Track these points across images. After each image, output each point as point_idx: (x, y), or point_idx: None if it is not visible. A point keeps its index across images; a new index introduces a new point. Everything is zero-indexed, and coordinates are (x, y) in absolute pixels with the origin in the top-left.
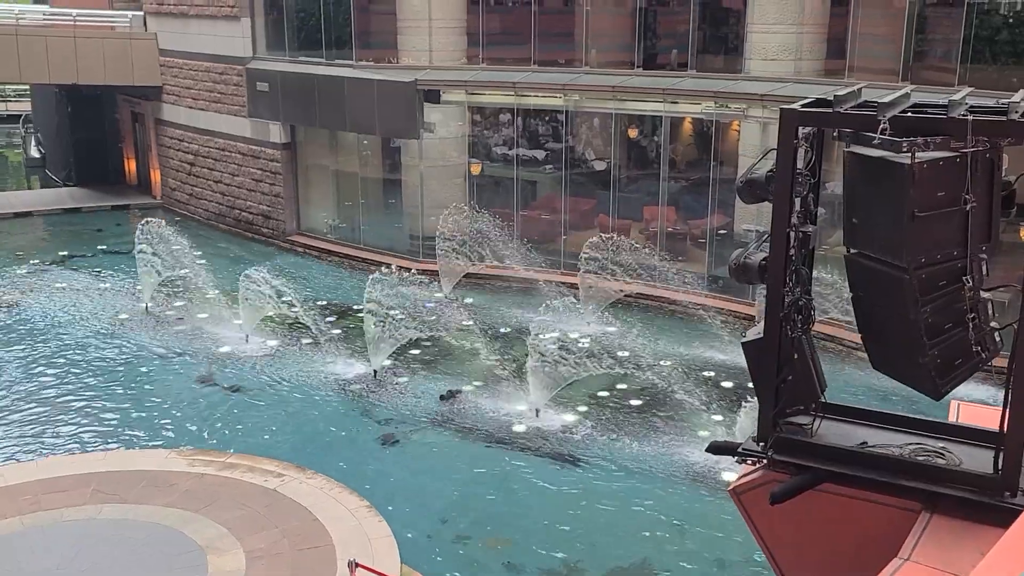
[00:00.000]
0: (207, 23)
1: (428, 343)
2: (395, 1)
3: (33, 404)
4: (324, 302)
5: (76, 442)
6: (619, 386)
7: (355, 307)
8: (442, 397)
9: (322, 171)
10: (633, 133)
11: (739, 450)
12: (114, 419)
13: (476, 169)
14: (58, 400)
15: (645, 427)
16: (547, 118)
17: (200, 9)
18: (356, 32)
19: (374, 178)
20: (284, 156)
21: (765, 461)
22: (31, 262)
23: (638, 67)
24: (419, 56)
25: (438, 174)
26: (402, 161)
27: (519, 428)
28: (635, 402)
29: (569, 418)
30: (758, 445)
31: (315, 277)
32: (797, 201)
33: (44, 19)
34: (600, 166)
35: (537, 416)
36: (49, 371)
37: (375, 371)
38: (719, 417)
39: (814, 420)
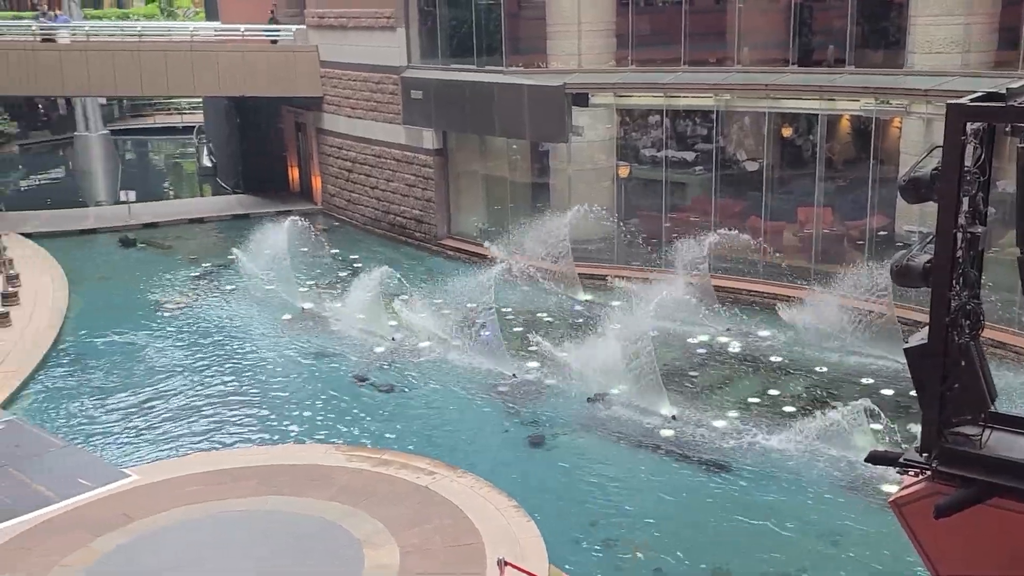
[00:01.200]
0: (365, 34)
1: (575, 345)
2: (545, 6)
3: (201, 400)
4: (473, 304)
5: (240, 437)
6: (771, 392)
7: (504, 309)
8: (590, 400)
9: (472, 176)
10: (787, 132)
11: (901, 461)
12: (274, 415)
13: (624, 172)
14: (223, 396)
15: (798, 434)
16: (697, 119)
17: (358, 21)
18: (506, 38)
19: (523, 182)
20: (436, 162)
21: (929, 473)
22: (203, 265)
23: (793, 64)
24: (568, 60)
25: (586, 177)
26: (550, 165)
27: (667, 433)
28: (788, 408)
29: (719, 424)
30: (922, 456)
31: (464, 280)
32: (965, 200)
33: (216, 35)
34: (752, 167)
35: (681, 420)
36: (217, 369)
37: (513, 374)
38: (877, 426)
39: (983, 431)
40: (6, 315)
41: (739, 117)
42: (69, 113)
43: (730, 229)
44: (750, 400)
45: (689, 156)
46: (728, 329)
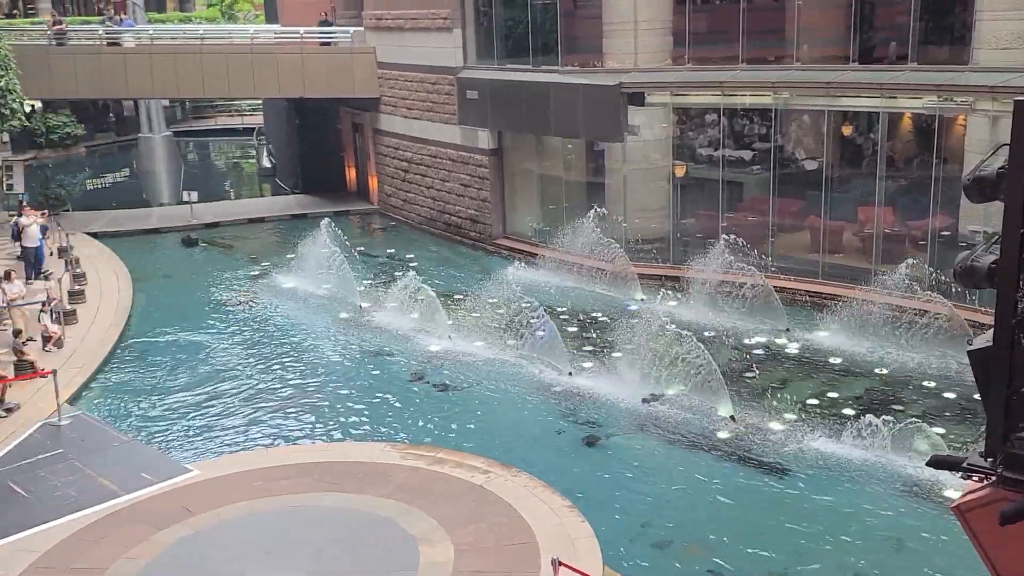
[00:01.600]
0: (422, 35)
1: (631, 346)
2: (601, 5)
3: (261, 397)
4: (527, 304)
5: (298, 433)
6: (830, 394)
7: (558, 308)
8: (645, 400)
9: (527, 176)
10: (847, 130)
11: (964, 465)
12: (332, 413)
13: (680, 171)
14: (282, 393)
15: (858, 437)
16: (755, 117)
17: (415, 22)
18: (562, 37)
19: (578, 181)
20: (491, 162)
21: (993, 478)
22: (262, 264)
23: (854, 61)
24: (624, 59)
25: (642, 177)
26: (606, 164)
27: (723, 435)
28: (848, 411)
29: (776, 426)
30: (986, 461)
31: (519, 280)
32: None
33: (275, 37)
34: (811, 165)
35: (738, 422)
36: (275, 366)
37: (570, 372)
38: (940, 430)
39: None
40: (73, 312)
41: (798, 115)
42: (133, 115)
43: (788, 229)
44: (808, 402)
45: (746, 155)
46: (787, 330)
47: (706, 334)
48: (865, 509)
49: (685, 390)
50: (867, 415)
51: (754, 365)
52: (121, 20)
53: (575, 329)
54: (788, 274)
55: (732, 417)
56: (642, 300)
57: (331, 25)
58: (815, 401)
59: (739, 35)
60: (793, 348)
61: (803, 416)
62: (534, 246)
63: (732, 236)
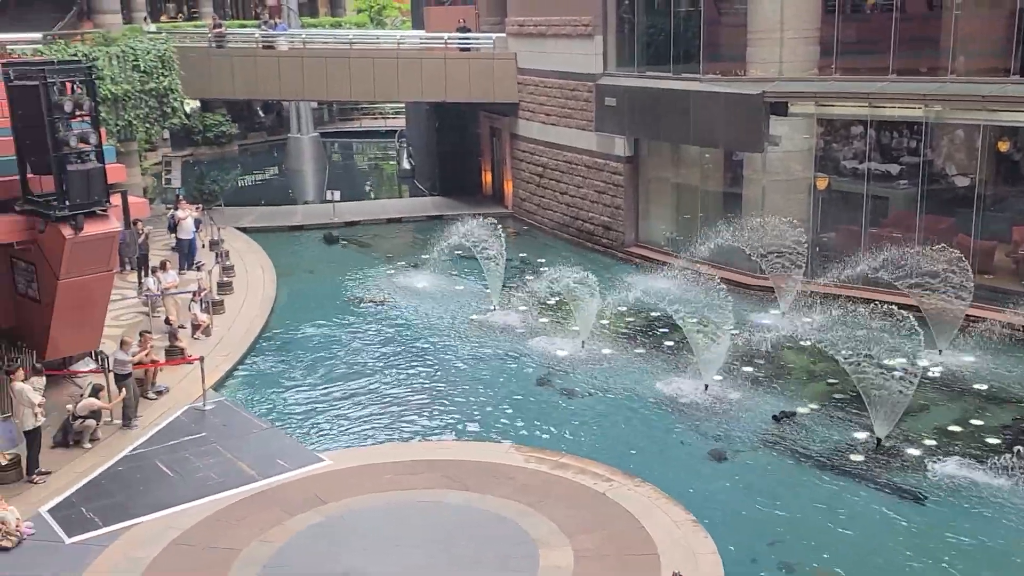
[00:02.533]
0: (563, 42)
1: (763, 360)
2: (746, 13)
3: (392, 393)
4: (657, 313)
5: (426, 430)
6: (973, 421)
7: (690, 320)
8: (775, 417)
9: (662, 184)
10: (1004, 146)
11: None
12: (458, 412)
13: (822, 183)
14: (412, 391)
15: (1001, 468)
16: (904, 130)
17: (557, 29)
18: (704, 45)
19: (714, 191)
20: (627, 169)
21: None
22: (398, 263)
23: (1014, 74)
24: (768, 68)
25: (781, 188)
26: (744, 175)
27: (857, 457)
28: (992, 440)
29: (914, 451)
30: None
31: (652, 288)
32: None
33: (420, 43)
34: (962, 182)
35: (878, 445)
36: (407, 363)
37: (706, 385)
38: None
39: None
40: (221, 303)
41: (950, 129)
42: (284, 115)
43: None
44: (950, 428)
45: (893, 169)
46: (940, 352)
47: (843, 352)
48: (1009, 547)
49: (819, 408)
50: (1012, 445)
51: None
52: (276, 24)
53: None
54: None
55: (879, 439)
56: (781, 314)
57: (469, 31)
58: (957, 428)
59: (890, 45)
60: (936, 371)
61: (943, 442)
62: (667, 255)
63: (875, 252)
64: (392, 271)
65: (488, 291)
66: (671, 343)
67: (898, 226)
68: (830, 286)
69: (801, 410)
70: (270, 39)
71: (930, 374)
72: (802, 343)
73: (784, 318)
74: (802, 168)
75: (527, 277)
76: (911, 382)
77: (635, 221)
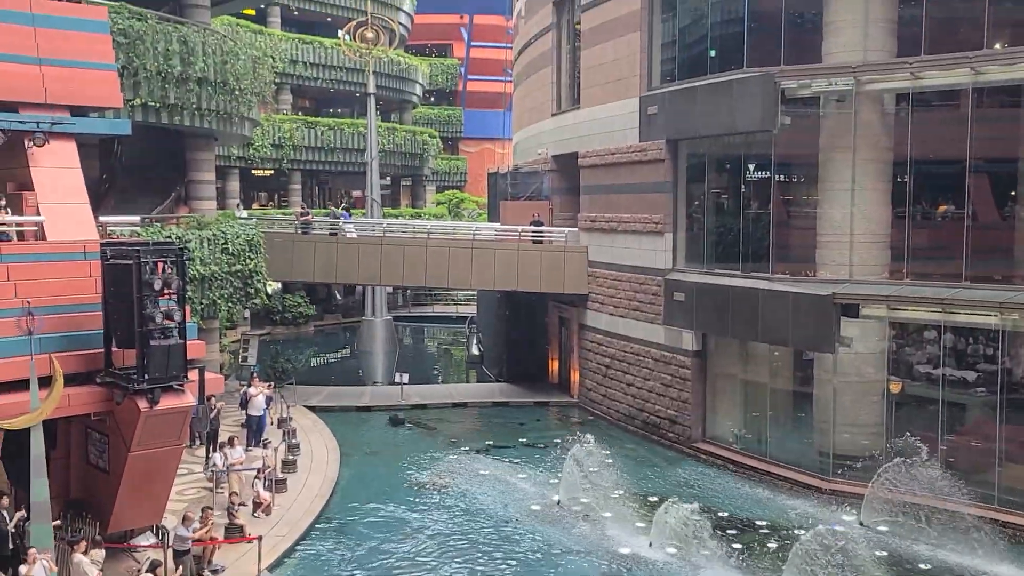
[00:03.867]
0: (632, 238)
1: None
2: (815, 217)
3: None
4: (726, 513)
5: None
6: None
7: (758, 522)
8: None
9: (730, 380)
10: None
11: None
12: None
13: (896, 387)
14: None
15: None
16: (980, 337)
17: (628, 225)
18: (773, 245)
19: (784, 390)
20: (694, 363)
21: None
22: (462, 449)
23: None
24: (837, 270)
25: (852, 390)
26: (814, 375)
27: None
28: None
29: None
30: None
31: (719, 487)
32: None
33: (495, 235)
34: None
35: None
36: (466, 553)
37: None
38: None
39: None
40: (284, 481)
41: None
42: (359, 299)
43: (1018, 458)
44: None
45: (970, 376)
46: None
47: (921, 566)
48: None
49: None
50: None
51: None
52: (342, 214)
53: (774, 545)
54: (1017, 508)
55: None
56: (860, 524)
57: (542, 224)
58: None
59: (963, 252)
60: None
61: None
62: (735, 452)
63: (953, 461)
64: (455, 456)
65: (551, 481)
66: (739, 545)
67: (976, 434)
68: (908, 494)
69: None
70: (335, 228)
71: None
72: (877, 552)
73: (859, 526)
74: (875, 371)
75: (592, 469)
76: None
77: (702, 416)
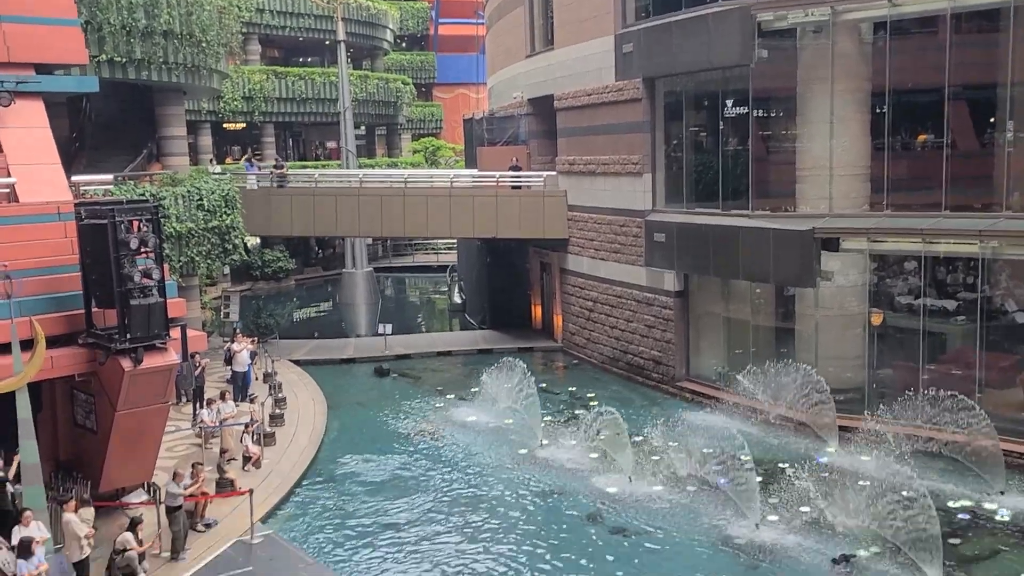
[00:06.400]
0: (612, 180)
1: (818, 500)
2: (794, 152)
3: (439, 530)
4: (708, 450)
5: (475, 569)
6: None
7: (742, 456)
8: (834, 561)
9: (713, 319)
10: None
11: None
12: (509, 550)
13: (877, 319)
14: (459, 527)
15: None
16: (959, 266)
17: (607, 167)
18: (753, 182)
19: (766, 326)
20: (676, 304)
21: None
22: (447, 396)
23: None
24: (817, 204)
25: (834, 324)
26: (796, 310)
27: None
28: None
29: None
30: None
31: (702, 424)
32: None
33: (473, 182)
34: None
35: None
36: (454, 499)
37: (756, 524)
38: None
39: None
40: (272, 435)
41: (1008, 265)
42: (339, 251)
43: (997, 385)
44: None
45: (950, 305)
46: (1001, 492)
47: (904, 493)
48: None
49: (879, 552)
50: None
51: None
52: (245, 165)
53: (760, 479)
54: (997, 433)
55: None
56: (834, 452)
57: (520, 170)
58: None
59: (942, 181)
60: (1004, 514)
61: None
62: (718, 390)
63: (934, 389)
64: (441, 404)
65: (538, 425)
66: (723, 480)
67: (957, 363)
68: (890, 423)
69: (861, 553)
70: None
71: (998, 518)
72: (861, 482)
73: (841, 456)
74: (856, 303)
75: (577, 411)
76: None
77: (685, 356)
